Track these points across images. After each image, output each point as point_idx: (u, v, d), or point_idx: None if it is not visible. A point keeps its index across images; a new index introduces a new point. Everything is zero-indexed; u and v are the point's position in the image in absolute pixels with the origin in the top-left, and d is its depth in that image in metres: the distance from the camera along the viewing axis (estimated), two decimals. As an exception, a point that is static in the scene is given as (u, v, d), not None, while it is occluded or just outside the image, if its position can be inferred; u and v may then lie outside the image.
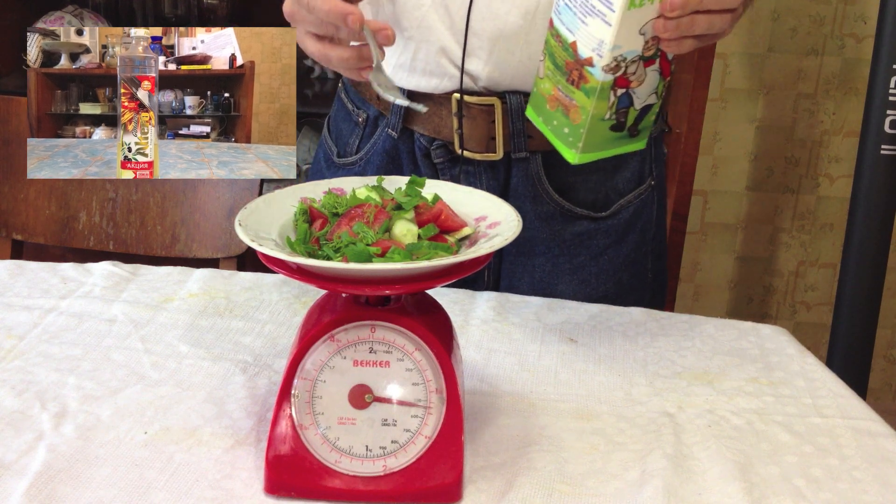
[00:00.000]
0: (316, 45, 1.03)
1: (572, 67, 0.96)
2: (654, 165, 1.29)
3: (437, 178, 1.22)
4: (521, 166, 1.21)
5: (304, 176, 2.43)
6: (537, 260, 1.25)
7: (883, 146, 2.15)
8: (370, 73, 0.99)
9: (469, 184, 1.21)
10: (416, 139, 1.23)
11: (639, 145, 1.03)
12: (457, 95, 1.17)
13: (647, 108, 0.99)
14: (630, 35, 0.92)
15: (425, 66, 1.17)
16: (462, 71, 1.16)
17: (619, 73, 0.94)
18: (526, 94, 1.17)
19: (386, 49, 1.17)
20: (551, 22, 0.98)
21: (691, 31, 0.93)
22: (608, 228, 1.25)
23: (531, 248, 1.25)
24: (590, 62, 0.94)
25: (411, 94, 1.20)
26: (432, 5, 1.13)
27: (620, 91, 0.96)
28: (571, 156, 1.00)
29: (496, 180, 1.22)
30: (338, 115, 1.34)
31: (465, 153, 1.20)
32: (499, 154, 1.20)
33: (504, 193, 1.22)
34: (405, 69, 1.18)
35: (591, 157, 1.00)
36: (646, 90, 0.97)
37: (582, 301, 1.20)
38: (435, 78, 1.17)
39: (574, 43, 0.95)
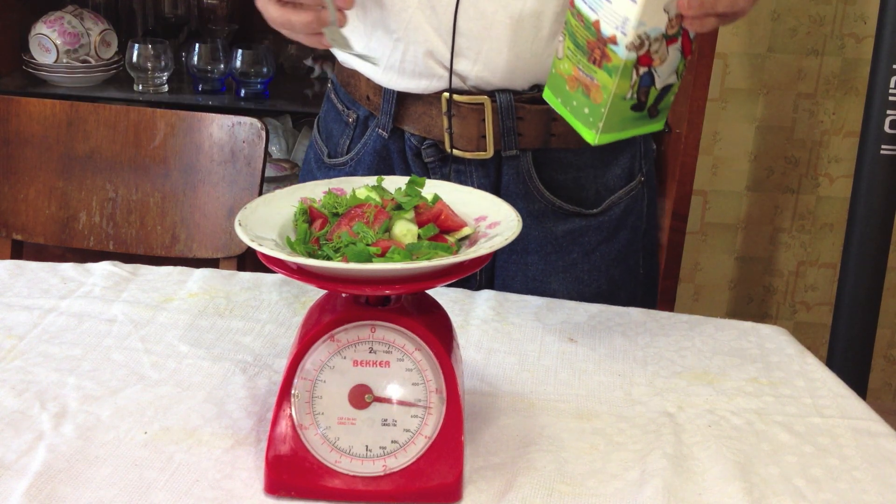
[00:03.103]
0: (278, 11, 1.05)
1: (594, 46, 0.96)
2: (644, 162, 1.30)
3: (428, 177, 1.22)
4: (511, 164, 1.21)
5: (304, 176, 2.43)
6: (530, 258, 1.25)
7: (883, 146, 2.15)
8: (325, 29, 1.03)
9: (460, 183, 1.21)
10: (406, 139, 1.23)
11: (657, 126, 1.03)
12: (446, 95, 1.17)
13: (667, 88, 1.00)
14: (654, 12, 0.92)
15: (414, 68, 1.17)
16: (451, 71, 1.16)
17: (642, 52, 0.94)
18: (515, 93, 1.17)
19: (376, 51, 1.17)
20: (571, 1, 0.98)
21: (714, 8, 0.95)
22: (599, 225, 1.26)
23: (524, 246, 1.25)
24: (613, 40, 0.94)
25: (401, 95, 1.21)
26: (419, 6, 1.13)
27: (643, 70, 0.96)
28: (591, 136, 1.00)
29: (487, 179, 1.22)
30: (327, 115, 1.34)
31: (456, 152, 1.20)
32: (489, 152, 1.20)
33: (495, 192, 1.22)
34: (394, 71, 1.18)
35: (611, 138, 1.01)
36: (667, 69, 0.98)
37: (575, 298, 1.20)
38: (424, 79, 1.18)
39: (597, 21, 0.95)
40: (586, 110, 0.99)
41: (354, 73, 1.25)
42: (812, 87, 2.59)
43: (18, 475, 0.83)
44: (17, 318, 1.08)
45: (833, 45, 2.56)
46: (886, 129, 2.14)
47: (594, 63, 0.96)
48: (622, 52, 0.94)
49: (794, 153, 2.65)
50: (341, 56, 1.27)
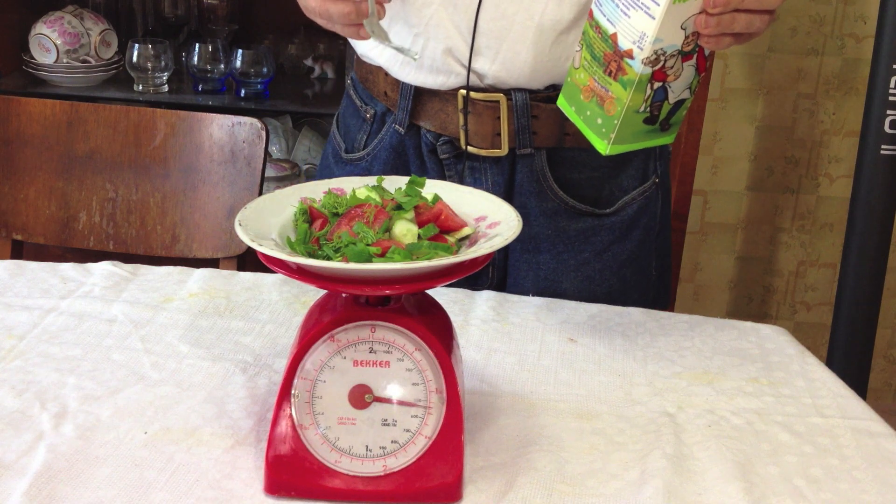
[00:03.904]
0: (317, 1, 1.05)
1: (611, 59, 0.96)
2: (659, 163, 1.29)
3: (443, 173, 1.23)
4: (525, 162, 1.21)
5: (304, 175, 2.43)
6: (542, 257, 1.26)
7: (883, 146, 2.15)
8: (365, 21, 1.04)
9: (474, 179, 1.22)
10: (422, 135, 1.23)
11: (668, 139, 1.04)
12: (462, 92, 1.18)
13: (679, 103, 1.00)
14: (672, 29, 0.93)
15: (432, 64, 1.17)
16: (469, 69, 1.16)
17: (657, 67, 0.95)
18: (531, 92, 1.17)
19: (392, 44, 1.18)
20: (591, 13, 0.99)
21: (731, 28, 0.95)
22: (612, 225, 1.26)
23: (536, 244, 1.25)
24: (630, 54, 0.94)
25: (418, 90, 1.21)
26: (441, 4, 1.14)
27: (657, 84, 0.96)
28: (603, 146, 1.01)
29: (501, 176, 1.22)
30: (346, 111, 1.35)
31: (471, 149, 1.21)
32: (504, 150, 1.20)
33: (509, 189, 1.22)
34: (412, 66, 1.19)
35: (622, 149, 1.01)
36: (681, 85, 0.98)
37: (586, 297, 1.21)
38: (441, 75, 1.18)
39: (614, 34, 0.95)
40: (599, 121, 1.00)
41: (373, 70, 1.26)
42: (812, 87, 2.59)
43: (18, 475, 0.83)
44: (17, 318, 1.08)
45: (833, 45, 2.56)
46: (886, 129, 2.14)
47: (610, 75, 0.97)
48: (638, 67, 0.94)
49: (794, 153, 2.65)
50: (361, 49, 1.27)
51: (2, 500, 0.80)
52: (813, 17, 2.54)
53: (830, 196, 2.68)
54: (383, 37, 1.06)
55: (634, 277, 1.30)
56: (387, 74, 1.23)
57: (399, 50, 1.09)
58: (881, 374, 2.81)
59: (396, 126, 1.25)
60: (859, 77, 2.55)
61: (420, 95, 1.21)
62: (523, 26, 1.13)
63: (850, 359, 2.28)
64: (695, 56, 0.97)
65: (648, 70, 0.95)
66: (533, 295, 1.22)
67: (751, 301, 2.80)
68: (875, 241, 2.20)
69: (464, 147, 1.21)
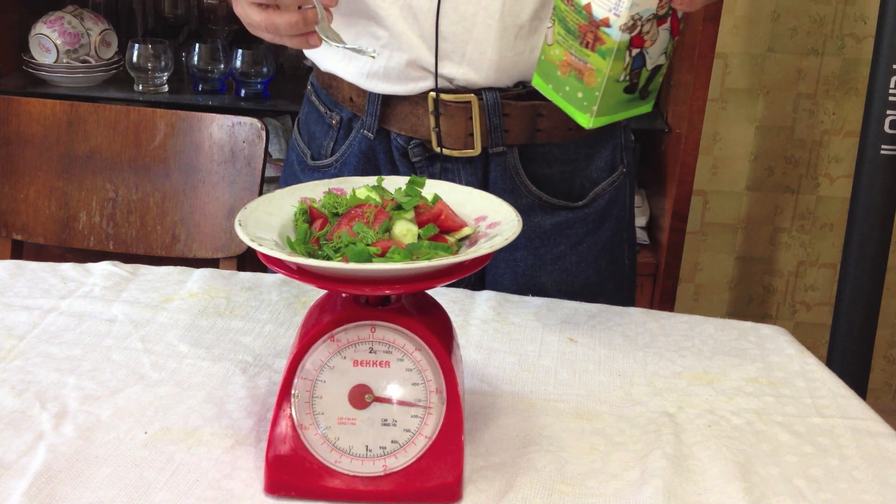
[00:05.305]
0: (261, 15, 1.02)
1: (586, 30, 0.96)
2: (625, 153, 1.31)
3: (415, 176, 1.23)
4: (498, 161, 1.22)
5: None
6: (518, 253, 1.26)
7: (883, 146, 2.15)
8: (318, 27, 1.02)
9: (447, 180, 1.22)
10: (392, 139, 1.23)
11: (646, 108, 1.04)
12: (433, 94, 1.18)
13: (657, 69, 1.01)
14: None
15: (399, 74, 1.17)
16: (436, 75, 1.16)
17: (634, 33, 0.95)
18: (501, 90, 1.17)
19: (358, 58, 1.17)
20: None
21: None
22: (585, 217, 1.27)
23: (512, 241, 1.25)
24: (606, 22, 0.95)
25: (387, 99, 1.20)
26: (401, 15, 1.14)
27: (635, 51, 0.97)
28: (585, 120, 1.00)
29: (474, 176, 1.22)
30: (309, 117, 1.33)
31: (444, 150, 1.20)
32: (477, 150, 1.20)
33: (483, 188, 1.22)
34: (379, 78, 1.18)
35: (605, 121, 1.01)
36: (658, 50, 0.99)
37: (563, 290, 1.22)
38: (410, 83, 1.18)
39: (588, 5, 0.96)
40: (580, 94, 1.00)
41: (335, 76, 1.25)
42: (812, 87, 2.59)
43: (18, 475, 0.83)
44: (17, 318, 1.08)
45: (833, 45, 2.56)
46: (886, 129, 2.14)
47: (587, 46, 0.97)
48: (615, 34, 0.94)
49: (794, 153, 2.65)
50: (325, 66, 1.26)
51: (2, 500, 0.80)
52: (813, 17, 2.54)
53: (830, 196, 2.68)
54: (337, 39, 1.03)
55: (609, 267, 1.31)
56: (351, 81, 1.22)
57: (355, 51, 1.06)
58: (881, 374, 2.81)
59: (365, 132, 1.24)
60: (859, 77, 2.55)
61: (389, 100, 1.20)
62: (485, 25, 1.13)
63: (850, 359, 2.28)
64: (668, 19, 0.98)
65: (626, 37, 0.95)
66: (512, 292, 1.22)
67: (751, 301, 2.80)
68: (875, 241, 2.20)
69: (436, 149, 1.21)
